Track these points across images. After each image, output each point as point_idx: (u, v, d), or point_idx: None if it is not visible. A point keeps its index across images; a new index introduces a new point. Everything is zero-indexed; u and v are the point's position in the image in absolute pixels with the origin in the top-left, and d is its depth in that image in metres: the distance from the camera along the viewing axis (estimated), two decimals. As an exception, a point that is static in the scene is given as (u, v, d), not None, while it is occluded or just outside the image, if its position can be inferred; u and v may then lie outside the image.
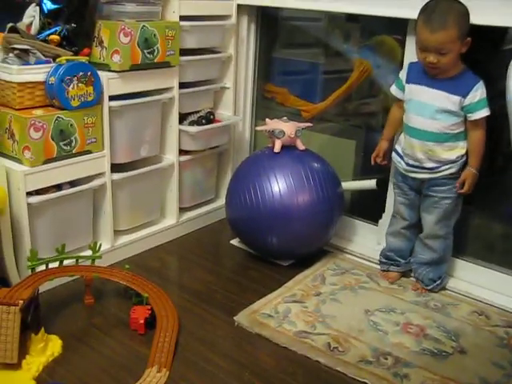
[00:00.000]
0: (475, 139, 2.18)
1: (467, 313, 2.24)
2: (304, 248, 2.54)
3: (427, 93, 2.20)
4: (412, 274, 2.45)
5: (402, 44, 2.44)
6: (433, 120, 2.18)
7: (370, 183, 2.72)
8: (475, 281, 2.41)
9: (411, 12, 2.23)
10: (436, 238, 2.33)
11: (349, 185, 2.77)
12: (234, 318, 2.14)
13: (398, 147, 2.38)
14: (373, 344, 2.03)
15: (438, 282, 2.36)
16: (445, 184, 2.25)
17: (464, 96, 2.13)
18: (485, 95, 2.13)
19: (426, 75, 2.20)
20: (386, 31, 2.69)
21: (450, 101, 2.15)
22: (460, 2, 2.08)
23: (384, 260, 2.51)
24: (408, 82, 2.27)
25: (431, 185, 2.28)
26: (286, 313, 2.19)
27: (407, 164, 2.30)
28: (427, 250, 2.36)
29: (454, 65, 2.14)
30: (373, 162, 2.46)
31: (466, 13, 2.07)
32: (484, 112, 2.13)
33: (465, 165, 2.22)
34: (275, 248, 2.48)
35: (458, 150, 2.21)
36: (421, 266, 2.38)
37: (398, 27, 2.44)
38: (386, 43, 2.73)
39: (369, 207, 2.79)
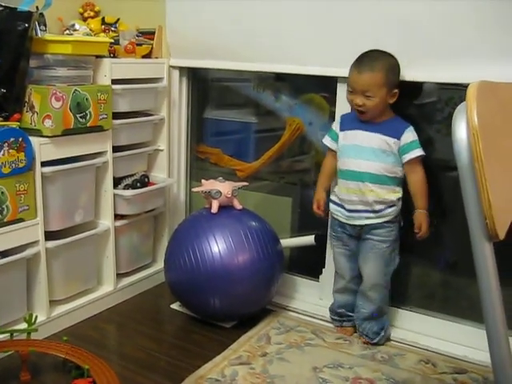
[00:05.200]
0: (415, 181, 2.23)
1: (414, 362, 2.25)
2: (247, 308, 2.50)
3: (363, 135, 2.26)
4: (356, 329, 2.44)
5: (329, 101, 2.53)
6: (371, 161, 2.23)
7: (309, 239, 2.73)
8: (419, 329, 2.42)
9: (339, 70, 2.34)
10: (376, 287, 2.34)
11: (288, 242, 2.77)
12: (180, 385, 2.07)
13: (334, 197, 2.40)
14: (324, 402, 2.00)
15: (382, 333, 2.37)
16: (383, 227, 2.28)
17: (398, 138, 2.20)
18: (417, 138, 2.21)
19: (360, 121, 2.26)
20: (313, 89, 2.76)
21: (386, 142, 2.21)
22: (392, 55, 2.17)
23: (336, 317, 2.51)
24: (342, 129, 2.33)
25: (371, 228, 2.30)
26: (233, 376, 2.13)
27: (348, 210, 2.32)
28: (368, 303, 2.36)
29: (381, 112, 2.22)
30: (317, 213, 2.43)
31: (395, 65, 2.17)
32: (418, 151, 2.19)
33: (402, 209, 2.27)
34: (218, 310, 2.43)
35: (396, 193, 2.26)
36: (363, 320, 2.38)
37: (324, 85, 2.53)
38: (315, 101, 2.79)
39: (309, 263, 2.79)
